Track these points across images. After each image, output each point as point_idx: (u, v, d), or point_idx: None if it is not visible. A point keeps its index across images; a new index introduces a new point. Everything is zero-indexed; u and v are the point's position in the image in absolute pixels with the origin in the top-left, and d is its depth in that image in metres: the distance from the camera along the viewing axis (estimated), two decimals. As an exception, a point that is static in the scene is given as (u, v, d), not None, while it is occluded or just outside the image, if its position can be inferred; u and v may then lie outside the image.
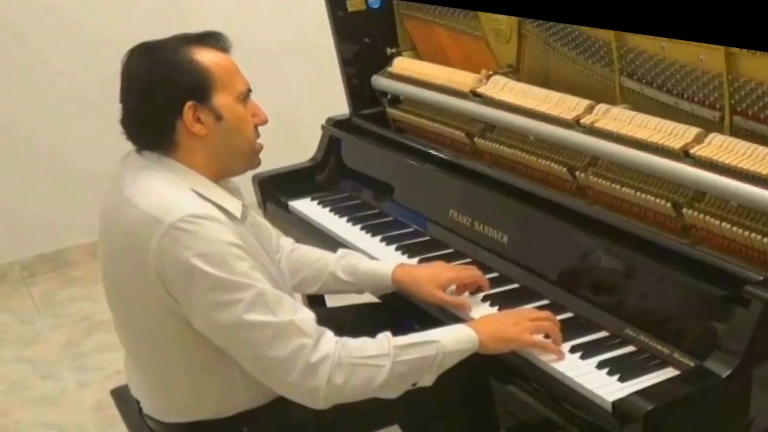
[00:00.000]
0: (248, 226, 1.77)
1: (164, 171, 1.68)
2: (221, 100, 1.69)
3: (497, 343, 1.73)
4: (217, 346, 1.66)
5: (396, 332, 1.73)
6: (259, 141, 1.77)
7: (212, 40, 1.72)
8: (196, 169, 1.70)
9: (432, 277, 1.92)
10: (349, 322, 2.01)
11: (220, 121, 1.69)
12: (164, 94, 1.66)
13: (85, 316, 3.73)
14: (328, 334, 1.66)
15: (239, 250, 1.62)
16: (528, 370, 1.72)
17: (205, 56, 1.68)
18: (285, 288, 1.79)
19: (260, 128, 1.77)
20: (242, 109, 1.72)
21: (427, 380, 1.70)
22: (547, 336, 1.73)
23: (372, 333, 1.72)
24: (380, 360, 1.65)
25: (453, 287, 1.94)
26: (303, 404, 1.66)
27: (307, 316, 1.65)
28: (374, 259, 2.18)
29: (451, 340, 1.71)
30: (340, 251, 2.07)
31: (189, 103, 1.65)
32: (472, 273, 1.94)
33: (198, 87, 1.66)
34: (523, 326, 1.73)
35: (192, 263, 1.58)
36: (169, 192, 1.64)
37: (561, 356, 1.69)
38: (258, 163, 1.79)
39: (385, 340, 1.68)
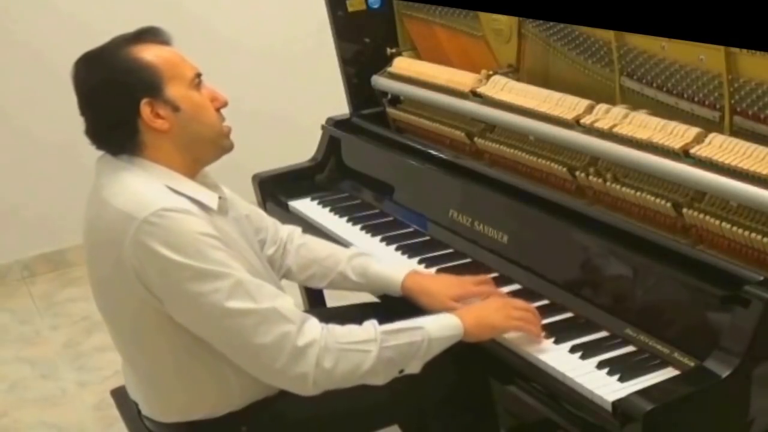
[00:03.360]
0: (230, 219, 1.78)
1: (137, 170, 1.69)
2: (174, 91, 1.69)
3: (482, 329, 1.74)
4: (207, 344, 1.66)
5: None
6: (225, 124, 1.78)
7: (150, 35, 1.73)
8: (168, 165, 1.70)
9: (442, 289, 1.90)
10: (349, 322, 2.01)
11: (179, 112, 1.69)
12: (117, 97, 1.67)
13: (85, 316, 3.73)
14: (313, 321, 1.67)
15: (214, 240, 1.62)
16: (528, 370, 1.72)
17: (147, 52, 1.69)
18: (272, 281, 1.80)
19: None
20: (198, 95, 1.73)
21: (414, 367, 1.71)
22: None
23: None
24: (368, 345, 1.66)
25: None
26: (292, 391, 1.66)
27: (288, 303, 1.66)
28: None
29: (436, 327, 1.72)
30: (352, 249, 2.06)
31: (144, 101, 1.66)
32: (483, 289, 1.91)
33: (148, 83, 1.67)
34: (506, 313, 1.75)
35: (166, 256, 1.58)
36: (142, 189, 1.65)
37: (539, 338, 1.73)
38: (230, 146, 1.79)
39: (371, 326, 1.70)
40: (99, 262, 1.70)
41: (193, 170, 1.75)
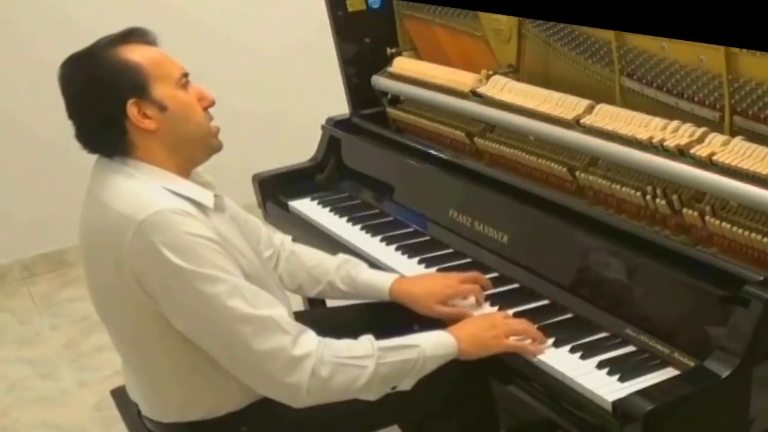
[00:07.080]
0: (227, 217, 1.78)
1: (132, 171, 1.68)
2: (160, 90, 1.68)
3: (476, 348, 1.75)
4: None
5: (395, 333, 1.74)
6: (213, 123, 1.77)
7: (136, 36, 1.73)
8: (160, 166, 1.70)
9: (430, 293, 1.91)
10: (348, 322, 2.01)
11: (166, 112, 1.68)
12: (103, 99, 1.66)
13: (85, 316, 3.73)
14: (310, 333, 1.67)
15: (213, 243, 1.62)
16: (528, 370, 1.72)
17: (133, 52, 1.68)
18: (271, 280, 1.80)
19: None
20: (184, 95, 1.72)
21: (406, 384, 1.72)
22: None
23: (371, 333, 1.72)
24: (364, 360, 1.66)
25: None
26: (285, 402, 1.66)
27: (284, 313, 1.66)
28: (374, 260, 2.18)
29: (431, 346, 1.73)
30: (340, 257, 2.05)
31: (130, 101, 1.65)
32: (471, 287, 1.92)
33: (134, 83, 1.66)
34: (499, 330, 1.75)
35: (165, 257, 1.58)
36: (140, 191, 1.65)
37: (544, 343, 1.72)
38: (219, 146, 1.78)
39: (368, 341, 1.70)
40: (97, 264, 1.70)
41: (185, 170, 1.74)
